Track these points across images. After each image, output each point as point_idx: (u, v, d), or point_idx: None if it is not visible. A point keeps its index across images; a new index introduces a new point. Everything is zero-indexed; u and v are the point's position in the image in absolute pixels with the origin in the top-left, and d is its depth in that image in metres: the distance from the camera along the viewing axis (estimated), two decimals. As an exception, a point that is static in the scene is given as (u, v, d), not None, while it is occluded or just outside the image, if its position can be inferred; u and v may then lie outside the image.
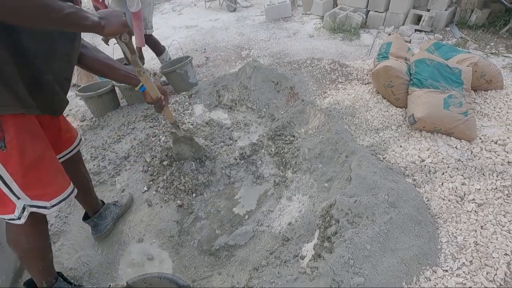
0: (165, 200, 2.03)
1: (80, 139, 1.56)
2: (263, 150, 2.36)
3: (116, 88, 3.09)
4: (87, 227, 1.84)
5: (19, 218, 1.13)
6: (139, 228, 1.90)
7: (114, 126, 2.80)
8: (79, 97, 2.94)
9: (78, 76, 3.54)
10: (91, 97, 2.87)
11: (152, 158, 2.31)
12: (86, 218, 1.78)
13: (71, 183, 1.30)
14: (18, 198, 1.11)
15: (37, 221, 1.23)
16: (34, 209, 1.15)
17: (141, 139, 2.56)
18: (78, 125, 3.00)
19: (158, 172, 2.22)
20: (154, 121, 2.77)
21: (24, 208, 1.13)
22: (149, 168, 2.27)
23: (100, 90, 2.88)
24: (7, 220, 1.16)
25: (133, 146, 2.51)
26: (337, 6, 4.85)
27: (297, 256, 1.57)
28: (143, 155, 2.40)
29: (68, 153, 1.48)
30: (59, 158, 1.47)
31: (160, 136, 2.47)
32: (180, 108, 2.95)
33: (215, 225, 1.90)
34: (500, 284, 1.23)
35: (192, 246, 1.80)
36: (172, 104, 3.05)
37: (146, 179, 2.22)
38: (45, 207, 1.17)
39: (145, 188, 2.15)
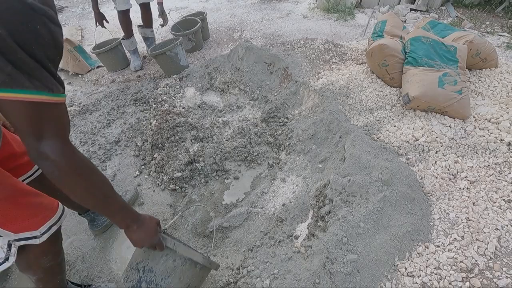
0: (158, 184, 2.01)
1: None
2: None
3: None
4: (78, 212, 1.81)
5: (7, 259, 0.98)
6: (132, 212, 1.88)
7: (104, 110, 2.73)
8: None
9: (65, 60, 3.42)
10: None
11: (144, 142, 2.27)
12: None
13: (59, 202, 1.15)
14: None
15: (56, 235, 1.11)
16: (22, 242, 1.00)
17: (131, 123, 2.51)
18: (66, 110, 2.90)
19: (149, 156, 2.18)
20: (145, 104, 2.70)
21: (10, 245, 0.98)
22: (141, 153, 2.23)
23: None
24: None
25: (123, 131, 2.46)
26: (331, -15, 4.70)
27: (291, 236, 1.57)
28: (134, 139, 2.36)
29: (32, 174, 1.28)
30: (24, 180, 1.27)
31: (151, 120, 2.41)
32: (171, 92, 2.88)
33: (209, 208, 1.89)
34: (490, 258, 1.24)
35: (186, 229, 1.79)
36: (163, 87, 2.97)
37: (137, 163, 2.18)
38: (34, 237, 1.02)
39: (137, 173, 2.11)
